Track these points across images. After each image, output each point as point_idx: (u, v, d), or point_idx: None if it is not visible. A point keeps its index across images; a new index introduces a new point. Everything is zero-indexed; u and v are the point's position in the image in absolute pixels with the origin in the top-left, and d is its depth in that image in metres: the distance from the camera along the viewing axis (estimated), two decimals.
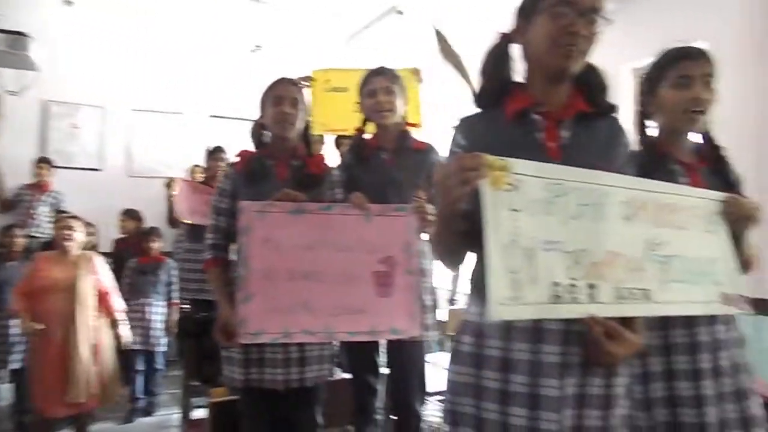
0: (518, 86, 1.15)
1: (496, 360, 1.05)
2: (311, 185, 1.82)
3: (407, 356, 1.97)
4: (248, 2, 4.46)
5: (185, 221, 3.79)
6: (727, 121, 2.93)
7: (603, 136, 1.13)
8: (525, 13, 1.10)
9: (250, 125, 2.07)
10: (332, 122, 2.96)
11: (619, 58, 3.69)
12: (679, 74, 1.33)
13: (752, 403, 1.30)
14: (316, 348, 1.80)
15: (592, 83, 1.13)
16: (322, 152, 2.96)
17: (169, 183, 4.44)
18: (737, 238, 1.27)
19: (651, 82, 1.40)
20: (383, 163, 2.03)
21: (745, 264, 1.36)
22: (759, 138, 3.05)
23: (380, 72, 2.05)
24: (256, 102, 1.91)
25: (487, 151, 0.98)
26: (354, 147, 2.11)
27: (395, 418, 2.06)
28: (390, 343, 1.98)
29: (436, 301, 2.10)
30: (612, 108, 1.15)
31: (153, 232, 3.91)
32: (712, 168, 1.38)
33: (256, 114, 1.93)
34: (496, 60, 1.16)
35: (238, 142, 2.25)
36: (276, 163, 1.86)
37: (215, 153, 4.06)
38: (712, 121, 1.41)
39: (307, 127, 1.93)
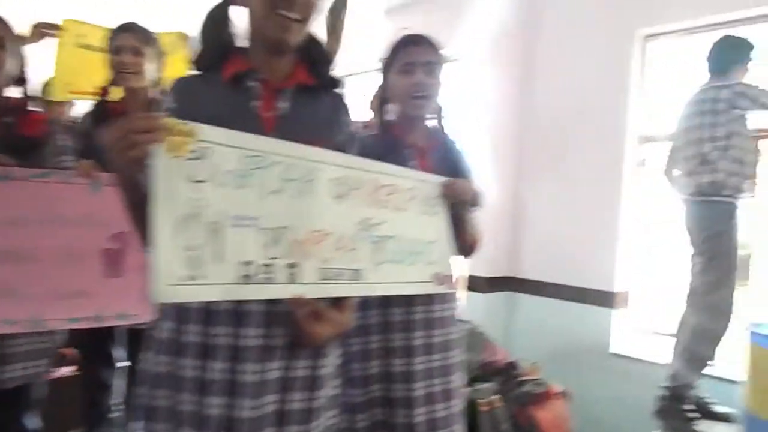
0: (240, 51, 1.06)
1: (195, 346, 0.96)
2: (25, 149, 1.52)
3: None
4: None
5: None
6: (496, 111, 3.35)
7: (325, 111, 1.10)
8: None
9: None
10: (77, 82, 2.53)
11: None
12: (404, 61, 1.37)
13: (455, 378, 1.42)
14: (29, 341, 1.51)
15: (314, 56, 1.10)
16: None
17: None
18: (461, 220, 1.36)
19: (385, 68, 1.43)
20: None
21: (470, 246, 1.47)
22: (522, 129, 3.46)
23: (129, 28, 1.81)
24: None
25: (198, 117, 0.89)
26: (93, 110, 1.83)
27: None
28: (130, 331, 1.77)
29: None
30: (334, 83, 1.12)
31: None
32: (443, 152, 1.45)
33: None
34: (216, 22, 1.07)
35: None
36: None
37: None
38: (445, 107, 1.50)
39: (23, 78, 1.60)
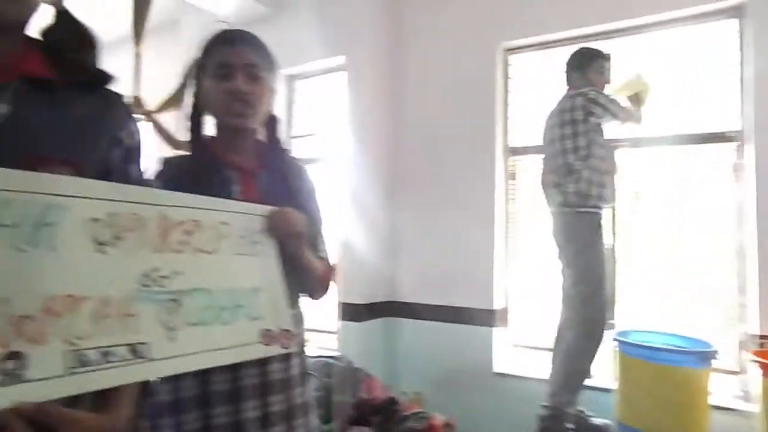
0: None
1: None
2: None
3: None
4: None
5: None
6: (363, 130, 3.18)
7: (78, 117, 0.77)
8: None
9: None
10: None
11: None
12: (218, 62, 1.10)
13: None
14: None
15: (58, 36, 0.78)
16: None
17: None
18: (297, 258, 1.10)
19: (198, 70, 1.14)
20: None
21: (317, 285, 1.21)
22: (391, 148, 3.31)
23: None
24: None
25: None
26: None
27: None
28: None
29: None
30: (97, 77, 0.81)
31: None
32: (276, 174, 1.18)
33: None
34: None
35: None
36: None
37: None
38: (282, 120, 1.25)
39: None
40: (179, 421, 1.03)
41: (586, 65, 2.51)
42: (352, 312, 3.03)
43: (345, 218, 3.10)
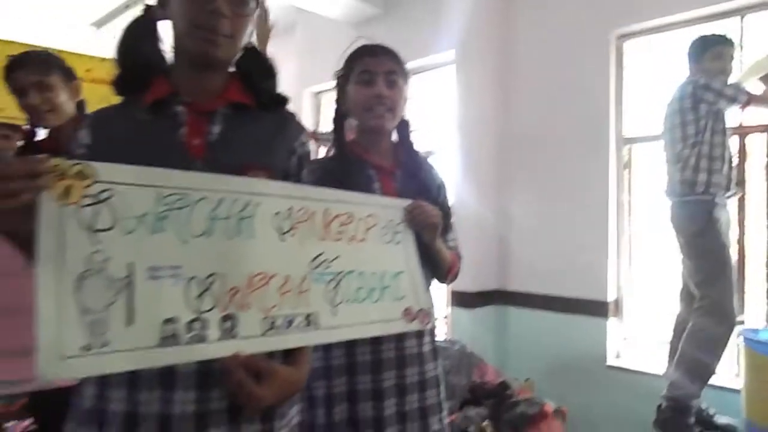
0: (163, 72, 0.93)
1: (118, 416, 0.82)
2: None
3: None
4: None
5: None
6: (473, 122, 3.25)
7: (267, 133, 0.97)
8: None
9: None
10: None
11: None
12: (361, 70, 1.26)
13: (433, 420, 1.27)
14: None
15: (252, 70, 0.98)
16: None
17: None
18: (431, 246, 1.23)
19: (341, 80, 1.31)
20: None
21: (447, 272, 1.34)
22: (501, 140, 3.35)
23: (24, 63, 1.60)
24: None
25: (116, 152, 0.78)
26: (20, 155, 1.69)
27: None
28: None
29: None
30: (278, 100, 1.00)
31: None
32: (410, 171, 1.32)
33: None
34: (137, 38, 0.94)
35: None
36: None
37: None
38: (412, 121, 1.38)
39: None
40: (329, 384, 1.20)
41: (702, 53, 2.40)
42: (462, 299, 3.13)
43: (455, 208, 3.20)
